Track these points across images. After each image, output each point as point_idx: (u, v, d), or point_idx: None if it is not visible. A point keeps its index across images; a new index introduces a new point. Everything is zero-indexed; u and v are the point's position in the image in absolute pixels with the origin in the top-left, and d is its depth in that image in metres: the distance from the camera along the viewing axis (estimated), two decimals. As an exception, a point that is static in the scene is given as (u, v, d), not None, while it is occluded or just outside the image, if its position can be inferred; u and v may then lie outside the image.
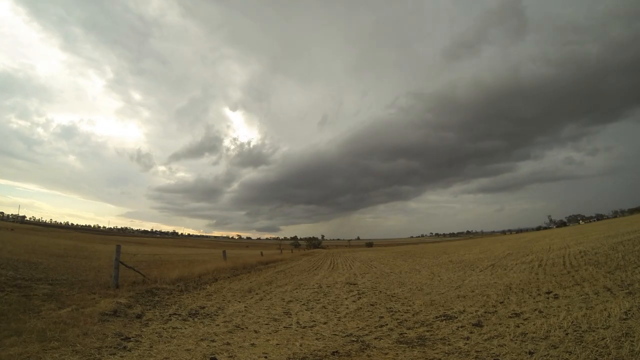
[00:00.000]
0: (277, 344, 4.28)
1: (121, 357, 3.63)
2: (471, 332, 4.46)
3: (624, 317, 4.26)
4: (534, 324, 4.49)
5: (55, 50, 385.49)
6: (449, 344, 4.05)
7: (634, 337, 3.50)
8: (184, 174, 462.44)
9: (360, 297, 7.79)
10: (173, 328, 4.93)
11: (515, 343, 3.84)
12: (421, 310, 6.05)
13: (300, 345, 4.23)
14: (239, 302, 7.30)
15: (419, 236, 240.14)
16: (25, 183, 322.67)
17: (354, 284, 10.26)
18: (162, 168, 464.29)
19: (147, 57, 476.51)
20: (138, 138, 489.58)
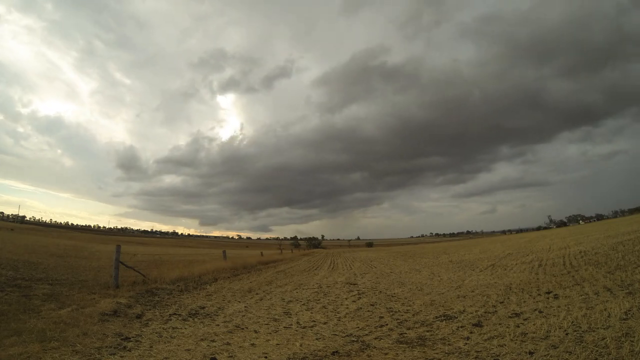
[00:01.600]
0: (277, 344, 4.28)
1: (121, 357, 3.63)
2: (471, 332, 4.46)
3: (624, 317, 4.26)
4: (534, 324, 4.48)
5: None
6: (449, 344, 4.05)
7: (634, 337, 3.50)
8: (174, 176, 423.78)
9: (360, 297, 7.79)
10: (173, 328, 4.92)
11: (515, 343, 3.84)
12: (421, 310, 6.05)
13: (301, 345, 4.23)
14: (239, 302, 7.30)
15: (419, 236, 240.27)
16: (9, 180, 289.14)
17: (354, 284, 10.26)
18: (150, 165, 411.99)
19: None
20: (121, 128, 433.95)
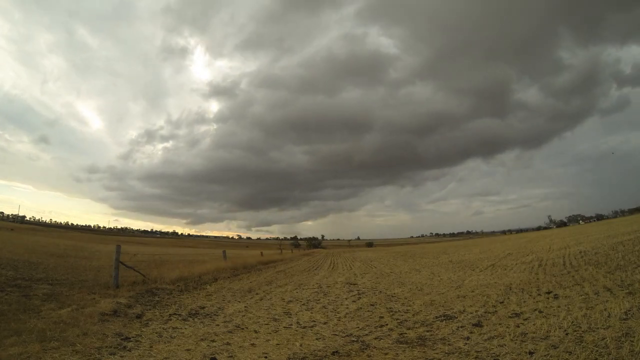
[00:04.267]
0: (277, 344, 4.28)
1: (121, 357, 3.63)
2: (471, 332, 4.46)
3: (624, 317, 4.26)
4: (534, 324, 4.48)
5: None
6: (449, 344, 4.05)
7: (634, 337, 3.50)
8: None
9: (360, 297, 7.78)
10: (173, 328, 4.92)
11: (515, 343, 3.84)
12: (421, 310, 6.05)
13: (301, 345, 4.23)
14: (239, 302, 7.30)
15: (419, 236, 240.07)
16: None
17: (354, 284, 10.26)
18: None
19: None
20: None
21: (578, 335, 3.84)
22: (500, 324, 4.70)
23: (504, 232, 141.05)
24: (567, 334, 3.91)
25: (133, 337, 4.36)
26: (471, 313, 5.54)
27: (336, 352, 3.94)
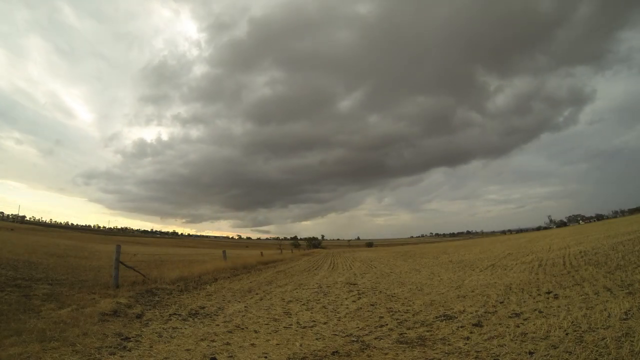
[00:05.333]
0: (277, 344, 4.28)
1: (121, 357, 3.63)
2: (471, 332, 4.46)
3: (624, 317, 4.26)
4: (534, 324, 4.48)
5: None
6: (449, 344, 4.05)
7: (634, 337, 3.50)
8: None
9: (360, 297, 7.78)
10: (173, 328, 4.92)
11: (515, 343, 3.84)
12: (421, 310, 6.05)
13: (300, 345, 4.23)
14: (239, 302, 7.30)
15: (419, 236, 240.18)
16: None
17: (354, 284, 10.26)
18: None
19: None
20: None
21: (578, 335, 3.84)
22: (500, 324, 4.70)
23: (504, 232, 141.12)
24: (567, 334, 3.91)
25: (133, 337, 4.36)
26: (471, 313, 5.54)
27: (336, 352, 3.94)
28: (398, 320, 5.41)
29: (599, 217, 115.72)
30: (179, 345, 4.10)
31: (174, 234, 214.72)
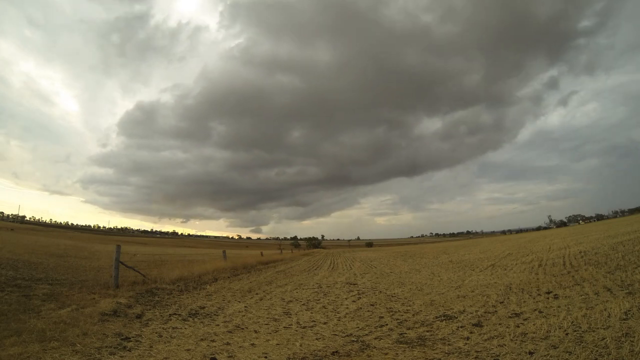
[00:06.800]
0: (277, 344, 4.28)
1: (121, 357, 3.63)
2: (471, 332, 4.46)
3: (624, 317, 4.26)
4: (534, 324, 4.49)
5: None
6: (449, 344, 4.05)
7: (634, 337, 3.50)
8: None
9: (360, 297, 7.78)
10: (173, 328, 4.92)
11: (515, 343, 3.84)
12: (421, 310, 6.05)
13: (300, 345, 4.23)
14: (239, 302, 7.30)
15: (419, 236, 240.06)
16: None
17: (354, 284, 10.26)
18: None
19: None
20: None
21: (578, 335, 3.84)
22: (500, 324, 4.71)
23: (503, 232, 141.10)
24: (567, 334, 3.91)
25: (133, 337, 4.36)
26: (471, 313, 5.54)
27: (336, 352, 3.94)
28: (398, 320, 5.41)
29: (599, 217, 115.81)
30: (179, 345, 4.10)
31: (174, 234, 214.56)
